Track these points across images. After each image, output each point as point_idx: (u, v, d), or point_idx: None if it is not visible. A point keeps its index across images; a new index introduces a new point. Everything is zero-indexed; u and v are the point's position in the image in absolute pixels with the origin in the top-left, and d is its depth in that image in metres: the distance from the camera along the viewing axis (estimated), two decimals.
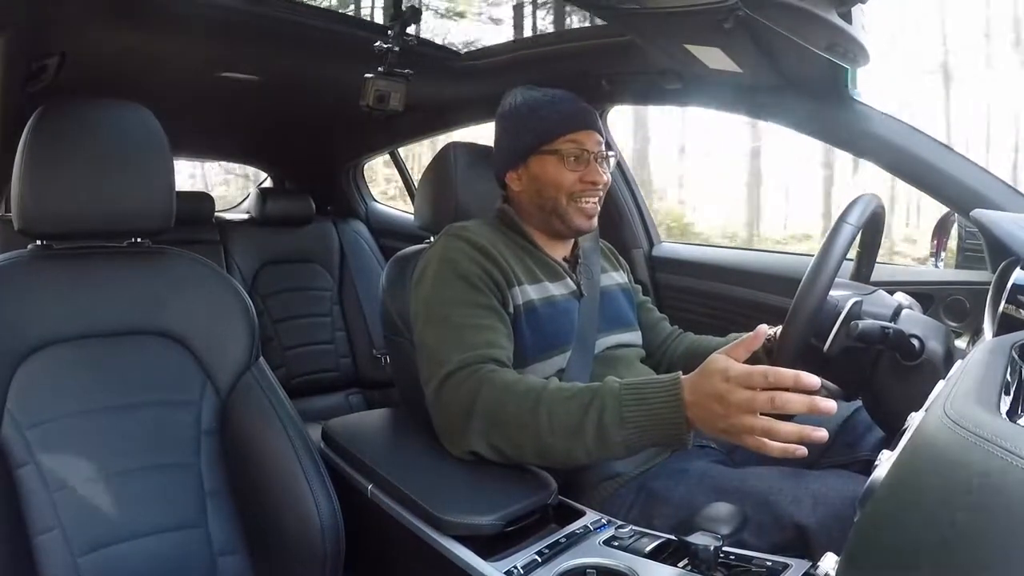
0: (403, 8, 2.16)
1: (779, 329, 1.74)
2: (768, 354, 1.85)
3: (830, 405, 1.26)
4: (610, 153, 1.96)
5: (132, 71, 2.56)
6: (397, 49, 2.27)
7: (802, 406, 1.25)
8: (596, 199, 1.92)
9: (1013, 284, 1.39)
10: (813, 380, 1.25)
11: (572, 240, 2.03)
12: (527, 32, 3.35)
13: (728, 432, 1.32)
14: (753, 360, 1.87)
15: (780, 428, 1.27)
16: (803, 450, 1.28)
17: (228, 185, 7.84)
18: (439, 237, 1.89)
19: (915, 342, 1.50)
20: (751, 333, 1.37)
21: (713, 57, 1.96)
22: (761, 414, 1.29)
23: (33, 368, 1.59)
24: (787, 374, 1.27)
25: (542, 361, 1.78)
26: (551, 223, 1.93)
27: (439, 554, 1.46)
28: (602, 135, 1.95)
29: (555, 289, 1.88)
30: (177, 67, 2.64)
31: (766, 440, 1.29)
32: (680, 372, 1.42)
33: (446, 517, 1.45)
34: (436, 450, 1.65)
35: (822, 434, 1.27)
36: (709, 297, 2.65)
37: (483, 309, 1.72)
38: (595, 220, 1.94)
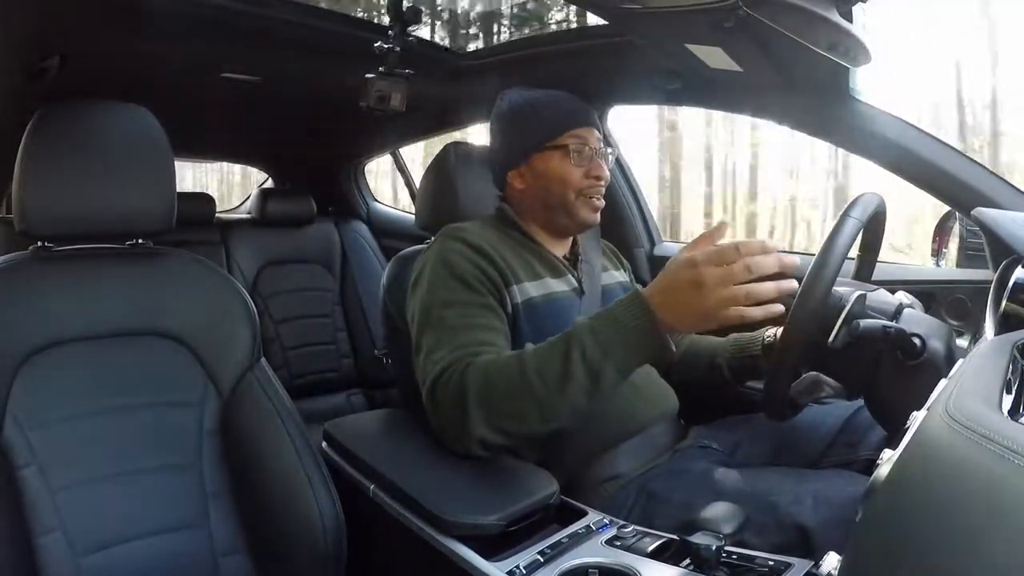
0: (404, 8, 2.16)
1: (779, 330, 1.75)
2: (767, 355, 1.86)
3: (793, 260, 1.35)
4: (609, 150, 1.97)
5: (133, 72, 2.55)
6: (398, 49, 2.26)
7: (774, 265, 1.33)
8: (600, 194, 1.93)
9: (1014, 283, 1.39)
10: (775, 243, 1.35)
11: (572, 238, 2.03)
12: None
13: (709, 314, 1.36)
14: (751, 366, 1.89)
15: (760, 288, 1.33)
16: (780, 307, 1.37)
17: None
18: (435, 238, 1.90)
19: (917, 341, 1.50)
20: (713, 228, 1.44)
21: (714, 56, 1.96)
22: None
23: (35, 370, 1.60)
24: (754, 242, 1.34)
25: None
26: (557, 219, 1.94)
27: (441, 554, 1.46)
28: (601, 132, 1.96)
29: (556, 285, 1.88)
30: (178, 68, 2.64)
31: (746, 308, 1.34)
32: (638, 287, 1.50)
33: (448, 517, 1.45)
34: (438, 450, 1.64)
35: (791, 285, 1.36)
36: None
37: (479, 308, 1.72)
38: (599, 215, 1.95)
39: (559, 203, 1.91)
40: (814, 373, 1.70)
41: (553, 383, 1.46)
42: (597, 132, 1.95)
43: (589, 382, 1.45)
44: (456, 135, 3.77)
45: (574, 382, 1.45)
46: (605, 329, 1.44)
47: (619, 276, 2.14)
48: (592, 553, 1.38)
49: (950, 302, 2.07)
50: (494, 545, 1.42)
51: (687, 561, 1.30)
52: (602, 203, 1.94)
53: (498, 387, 1.52)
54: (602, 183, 1.92)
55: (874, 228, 1.75)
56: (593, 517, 1.54)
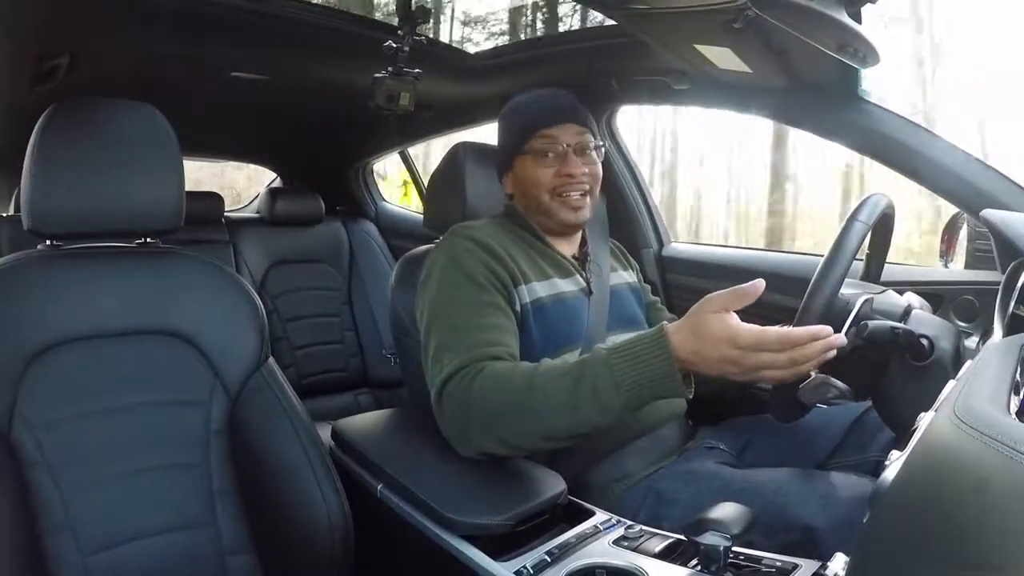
0: (413, 8, 2.16)
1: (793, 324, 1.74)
2: None
3: (841, 339, 1.30)
4: (599, 144, 1.96)
5: (142, 71, 2.56)
6: (407, 49, 2.26)
7: (821, 351, 1.29)
8: (579, 192, 1.91)
9: (1023, 284, 1.39)
10: (826, 329, 1.29)
11: (580, 237, 2.03)
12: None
13: (740, 377, 1.35)
14: None
15: (804, 368, 1.31)
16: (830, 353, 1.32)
17: None
18: (444, 237, 1.90)
19: (925, 342, 1.49)
20: (748, 284, 1.34)
21: (723, 57, 1.96)
22: None
23: (43, 368, 1.60)
24: (802, 335, 1.28)
25: (552, 359, 1.76)
26: (542, 221, 1.95)
27: (449, 554, 1.46)
28: (585, 126, 1.94)
29: (564, 286, 1.88)
30: (187, 67, 2.65)
31: (780, 374, 1.32)
32: (664, 323, 1.41)
33: (456, 517, 1.46)
34: (446, 450, 1.64)
35: (841, 340, 1.31)
36: None
37: (487, 307, 1.71)
38: (584, 212, 1.93)
39: (536, 206, 1.92)
40: (822, 375, 1.70)
41: (559, 410, 1.46)
42: (577, 127, 1.92)
43: (596, 416, 1.44)
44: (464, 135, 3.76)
45: (580, 414, 1.44)
46: (622, 365, 1.40)
47: (627, 276, 2.14)
48: (599, 553, 1.38)
49: (958, 304, 2.06)
50: (501, 545, 1.42)
51: (695, 562, 1.29)
52: (582, 202, 1.92)
53: (503, 404, 1.51)
54: (575, 180, 1.90)
55: (882, 229, 1.75)
56: (601, 517, 1.54)
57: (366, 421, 2.03)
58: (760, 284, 1.33)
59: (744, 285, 1.33)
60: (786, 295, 2.35)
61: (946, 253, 2.12)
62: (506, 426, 1.52)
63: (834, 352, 1.31)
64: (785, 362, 1.28)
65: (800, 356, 1.28)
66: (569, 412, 1.44)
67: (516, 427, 1.51)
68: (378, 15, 2.65)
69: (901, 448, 0.92)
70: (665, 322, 1.41)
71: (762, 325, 1.34)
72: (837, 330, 1.51)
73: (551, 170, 1.89)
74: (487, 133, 3.46)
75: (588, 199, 1.93)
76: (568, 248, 1.99)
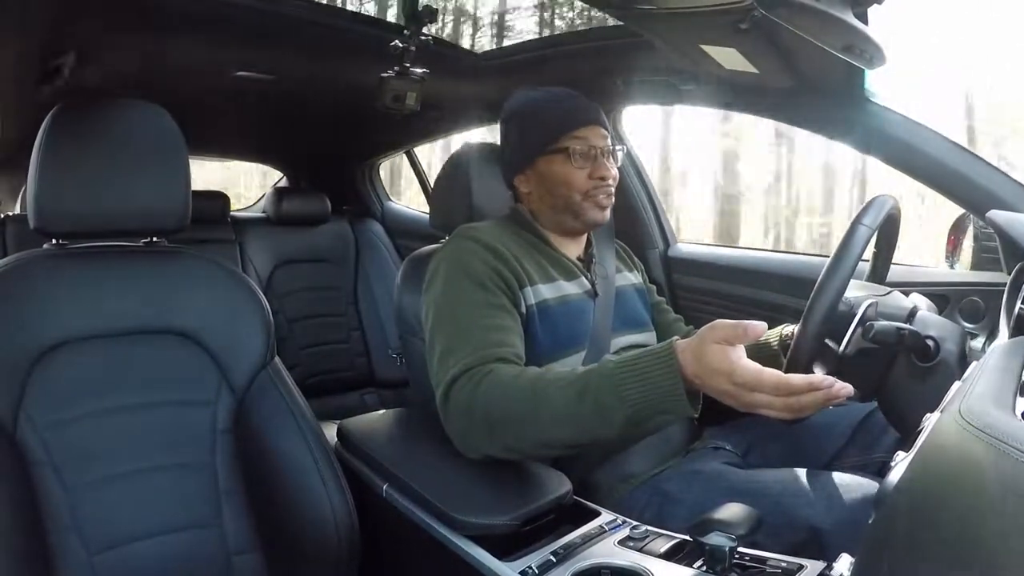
0: (419, 7, 2.16)
1: (796, 327, 1.74)
2: (785, 352, 1.85)
3: (847, 389, 1.22)
4: (618, 148, 1.95)
5: (148, 70, 2.56)
6: (413, 49, 2.26)
7: (821, 403, 1.22)
8: (607, 193, 1.91)
9: None
10: (826, 381, 1.22)
11: (585, 238, 2.03)
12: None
13: (745, 410, 1.29)
14: (770, 359, 1.86)
15: (804, 414, 1.24)
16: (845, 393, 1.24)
17: None
18: (449, 238, 1.89)
19: (930, 343, 1.49)
20: (750, 323, 1.28)
21: (729, 58, 1.96)
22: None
23: (49, 368, 1.60)
24: (800, 384, 1.22)
25: (556, 362, 1.77)
26: (564, 221, 1.93)
27: (454, 554, 1.46)
28: (607, 130, 1.94)
29: (569, 288, 1.88)
30: (193, 66, 2.64)
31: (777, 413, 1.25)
32: (676, 339, 1.36)
33: (461, 517, 1.46)
34: (451, 450, 1.64)
35: (848, 390, 1.22)
36: (726, 299, 2.64)
37: (493, 308, 1.71)
38: (608, 212, 1.93)
39: (564, 205, 1.90)
40: (829, 377, 1.70)
41: (561, 421, 1.43)
42: (603, 130, 1.92)
43: (597, 428, 1.40)
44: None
45: (581, 426, 1.41)
46: (628, 380, 1.35)
47: (632, 278, 2.13)
48: (605, 553, 1.38)
49: (964, 304, 2.06)
50: (507, 545, 1.42)
51: (700, 562, 1.30)
52: (610, 202, 1.93)
53: (508, 410, 1.50)
54: (608, 183, 1.90)
55: (888, 230, 1.75)
56: (606, 517, 1.53)
57: (372, 421, 2.03)
58: (762, 327, 1.29)
59: (747, 322, 1.27)
60: (791, 296, 2.35)
61: (952, 254, 2.12)
62: (508, 432, 1.51)
63: (843, 398, 1.26)
64: (781, 406, 1.23)
65: (796, 404, 1.22)
66: (571, 423, 1.42)
67: (518, 433, 1.50)
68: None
69: (907, 449, 0.92)
70: (677, 338, 1.37)
71: (768, 326, 1.33)
72: (842, 334, 1.51)
73: (584, 171, 1.87)
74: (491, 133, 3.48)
75: (611, 199, 1.94)
76: (573, 250, 1.99)
